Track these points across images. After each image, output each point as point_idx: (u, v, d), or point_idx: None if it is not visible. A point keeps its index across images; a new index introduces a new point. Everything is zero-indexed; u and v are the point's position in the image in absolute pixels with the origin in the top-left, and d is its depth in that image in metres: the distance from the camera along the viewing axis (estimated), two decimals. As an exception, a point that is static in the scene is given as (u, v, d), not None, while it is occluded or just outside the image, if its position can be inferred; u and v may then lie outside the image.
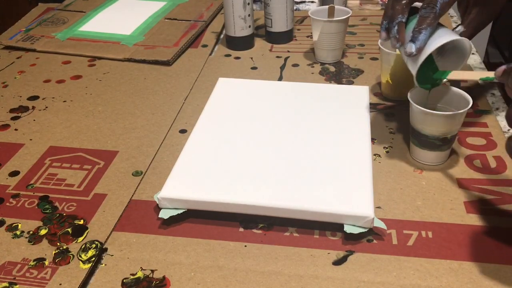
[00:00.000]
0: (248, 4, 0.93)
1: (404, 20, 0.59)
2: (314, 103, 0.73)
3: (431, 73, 0.60)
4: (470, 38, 0.65)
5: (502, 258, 0.51)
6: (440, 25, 0.58)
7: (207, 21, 1.09)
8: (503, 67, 0.46)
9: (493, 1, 0.64)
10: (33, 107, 0.82)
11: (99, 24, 1.09)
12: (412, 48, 0.56)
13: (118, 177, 0.65)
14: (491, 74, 0.53)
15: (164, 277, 0.51)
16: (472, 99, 0.60)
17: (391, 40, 0.60)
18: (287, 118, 0.70)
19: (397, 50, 0.75)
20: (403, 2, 0.59)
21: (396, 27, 0.59)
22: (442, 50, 0.62)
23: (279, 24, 0.97)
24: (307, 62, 0.92)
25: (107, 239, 0.56)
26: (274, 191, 0.57)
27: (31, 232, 0.57)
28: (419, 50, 0.56)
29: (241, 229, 0.56)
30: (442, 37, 0.56)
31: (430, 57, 0.60)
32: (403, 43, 0.59)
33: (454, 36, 0.56)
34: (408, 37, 0.58)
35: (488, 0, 0.63)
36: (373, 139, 0.69)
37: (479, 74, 0.55)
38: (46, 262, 0.53)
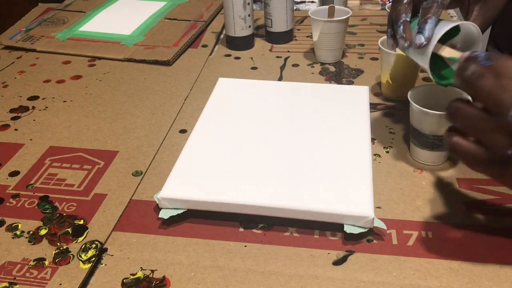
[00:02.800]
0: (248, 4, 0.93)
1: (408, 19, 0.59)
2: (314, 103, 0.73)
3: (443, 72, 0.60)
4: None
5: (502, 258, 0.51)
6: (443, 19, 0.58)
7: (207, 21, 1.09)
8: (467, 53, 0.46)
9: None
10: (33, 107, 0.82)
11: (99, 24, 1.09)
12: (421, 39, 0.56)
13: (118, 177, 0.65)
14: (457, 55, 0.54)
15: (164, 277, 0.51)
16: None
17: (398, 41, 0.60)
18: (287, 118, 0.70)
19: (397, 50, 0.75)
20: (405, 1, 0.60)
21: (401, 27, 0.59)
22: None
23: (279, 24, 0.97)
24: (307, 62, 0.92)
25: (107, 239, 0.56)
26: (274, 191, 0.57)
27: (31, 232, 0.57)
28: (428, 40, 0.56)
29: (241, 229, 0.56)
30: (448, 24, 0.56)
31: (438, 56, 0.60)
32: (411, 41, 0.59)
33: (460, 22, 0.56)
34: (415, 34, 0.58)
35: None
36: (373, 139, 0.69)
37: (453, 53, 0.55)
38: (46, 262, 0.53)
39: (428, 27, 0.56)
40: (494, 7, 0.63)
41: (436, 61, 0.59)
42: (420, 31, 0.56)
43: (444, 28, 0.56)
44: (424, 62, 0.58)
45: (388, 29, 0.62)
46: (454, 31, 0.59)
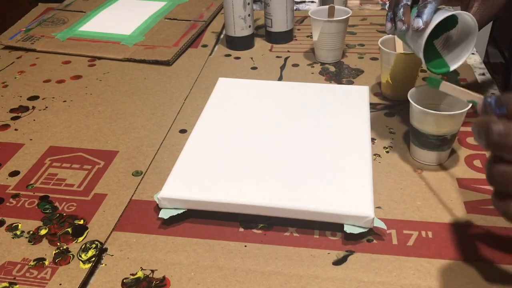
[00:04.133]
0: (248, 4, 0.93)
1: (409, 3, 0.60)
2: (314, 103, 0.73)
3: (436, 61, 0.61)
4: None
5: (502, 258, 0.51)
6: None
7: (207, 21, 1.09)
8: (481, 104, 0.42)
9: None
10: (33, 107, 0.82)
11: (99, 24, 1.09)
12: (419, 22, 0.57)
13: (118, 177, 0.65)
14: (476, 98, 0.52)
15: (164, 277, 0.51)
16: (472, 99, 0.60)
17: (397, 24, 0.61)
18: (287, 118, 0.70)
19: (397, 50, 0.75)
20: None
21: (401, 10, 0.60)
22: (447, 42, 0.62)
23: (279, 24, 0.97)
24: (307, 62, 0.92)
25: (107, 239, 0.56)
26: (274, 191, 0.57)
27: (31, 232, 0.57)
28: (426, 24, 0.57)
29: (241, 229, 0.56)
30: (446, 12, 0.57)
31: (433, 47, 0.60)
32: (409, 25, 0.59)
33: (458, 11, 0.57)
34: (414, 18, 0.58)
35: None
36: (373, 139, 0.69)
37: (468, 95, 0.54)
38: (46, 262, 0.53)
39: (427, 11, 0.57)
40: (493, 5, 0.63)
41: (430, 50, 0.60)
42: (419, 15, 0.57)
43: (442, 15, 0.56)
44: (418, 48, 0.59)
45: (388, 12, 0.63)
46: (452, 23, 0.59)
